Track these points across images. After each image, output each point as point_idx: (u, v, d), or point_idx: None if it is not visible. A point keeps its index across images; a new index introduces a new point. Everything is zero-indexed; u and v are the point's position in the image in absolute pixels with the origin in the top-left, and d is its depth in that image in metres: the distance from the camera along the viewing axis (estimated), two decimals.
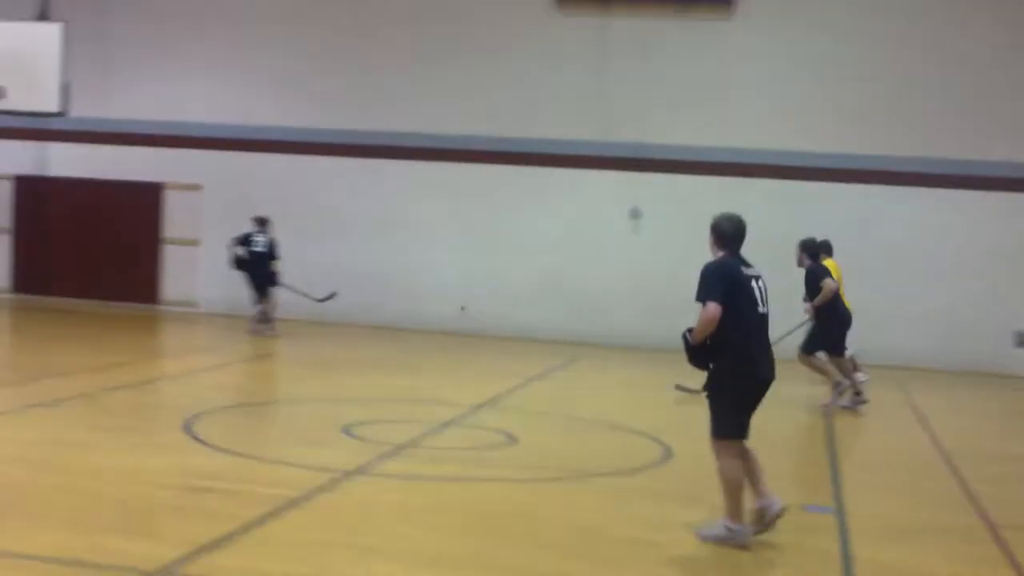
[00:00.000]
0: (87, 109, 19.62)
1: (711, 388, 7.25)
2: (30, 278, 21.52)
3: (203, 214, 20.86)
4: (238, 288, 18.27)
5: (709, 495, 8.41)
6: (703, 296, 7.04)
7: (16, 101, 19.15)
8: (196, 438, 9.50)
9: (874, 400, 14.05)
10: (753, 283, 7.21)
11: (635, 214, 19.56)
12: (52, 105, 19.27)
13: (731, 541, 7.10)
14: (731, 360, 7.12)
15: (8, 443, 9.14)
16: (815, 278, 13.20)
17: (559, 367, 16.12)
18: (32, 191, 21.53)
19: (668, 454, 10.04)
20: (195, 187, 20.89)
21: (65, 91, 19.17)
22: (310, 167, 20.55)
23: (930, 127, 18.67)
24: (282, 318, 18.45)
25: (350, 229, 20.29)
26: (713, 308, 6.96)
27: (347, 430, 10.19)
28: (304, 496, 7.64)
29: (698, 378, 7.61)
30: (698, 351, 7.19)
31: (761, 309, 7.20)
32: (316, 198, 20.44)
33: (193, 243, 20.95)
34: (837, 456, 10.56)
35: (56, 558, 6.06)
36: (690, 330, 7.15)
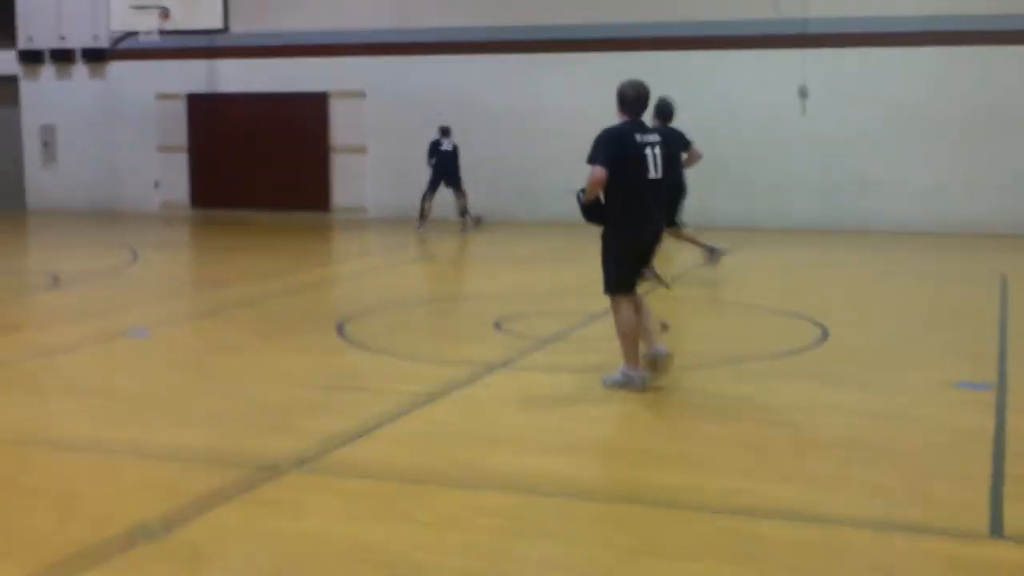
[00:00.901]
0: (248, 24, 19.96)
1: (602, 247, 7.71)
2: (208, 193, 22.20)
3: (366, 121, 21.08)
4: (404, 192, 18.49)
5: (858, 376, 8.22)
6: (591, 159, 7.37)
7: (181, 21, 19.69)
8: (348, 339, 9.66)
9: None
10: (647, 149, 7.46)
11: (803, 93, 18.87)
12: (216, 22, 19.74)
13: (629, 385, 7.58)
14: (615, 221, 7.57)
15: (169, 350, 9.47)
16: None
17: (725, 253, 15.79)
18: (204, 108, 22.10)
19: (825, 335, 9.74)
20: (358, 94, 21.09)
21: (226, 7, 19.60)
22: (464, 67, 20.47)
23: None
24: (442, 216, 18.79)
25: (504, 127, 20.16)
26: (598, 171, 7.29)
27: (498, 324, 10.21)
28: (444, 391, 7.68)
29: None
30: (590, 210, 7.56)
31: (651, 175, 7.47)
32: (474, 98, 20.36)
33: (359, 150, 21.22)
34: (1008, 329, 10.06)
35: (193, 455, 6.25)
36: (583, 190, 7.46)
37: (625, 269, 7.65)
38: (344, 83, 21.16)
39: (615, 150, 7.37)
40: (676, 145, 12.02)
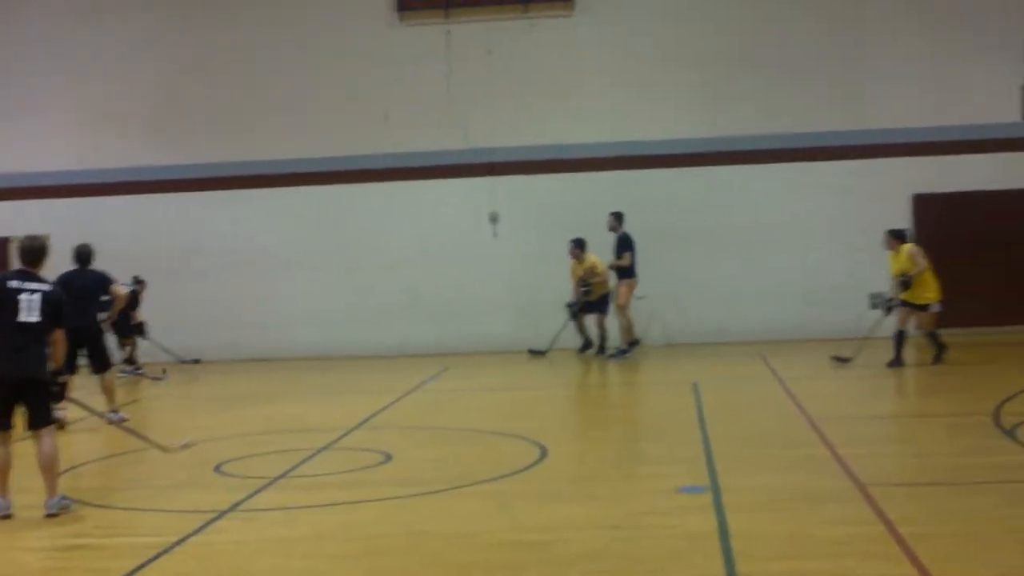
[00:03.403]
0: None
1: None
2: None
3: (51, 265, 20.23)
4: None
5: (584, 490, 8.55)
6: None
7: None
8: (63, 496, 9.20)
9: (741, 374, 14.39)
10: (21, 295, 8.35)
11: (493, 218, 19.63)
12: None
13: None
14: None
15: None
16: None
17: (430, 379, 16.09)
18: None
19: (544, 454, 10.07)
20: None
21: None
22: (157, 206, 20.13)
23: (769, 104, 19.20)
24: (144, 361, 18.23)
25: (201, 265, 19.89)
26: None
27: (218, 468, 10.01)
28: (177, 541, 7.46)
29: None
30: None
31: (22, 318, 8.33)
32: (164, 237, 20.02)
33: None
34: (708, 434, 10.70)
35: None
36: None
37: None
38: (23, 227, 20.27)
39: None
40: (91, 289, 12.89)
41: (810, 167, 19.21)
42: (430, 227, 19.73)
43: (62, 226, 19.87)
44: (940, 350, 15.04)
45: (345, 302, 19.73)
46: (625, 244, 17.69)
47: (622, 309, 17.69)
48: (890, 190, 18.93)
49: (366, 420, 12.55)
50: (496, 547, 7.12)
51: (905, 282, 14.72)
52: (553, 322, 18.12)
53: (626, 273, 17.71)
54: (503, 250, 19.48)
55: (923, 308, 14.92)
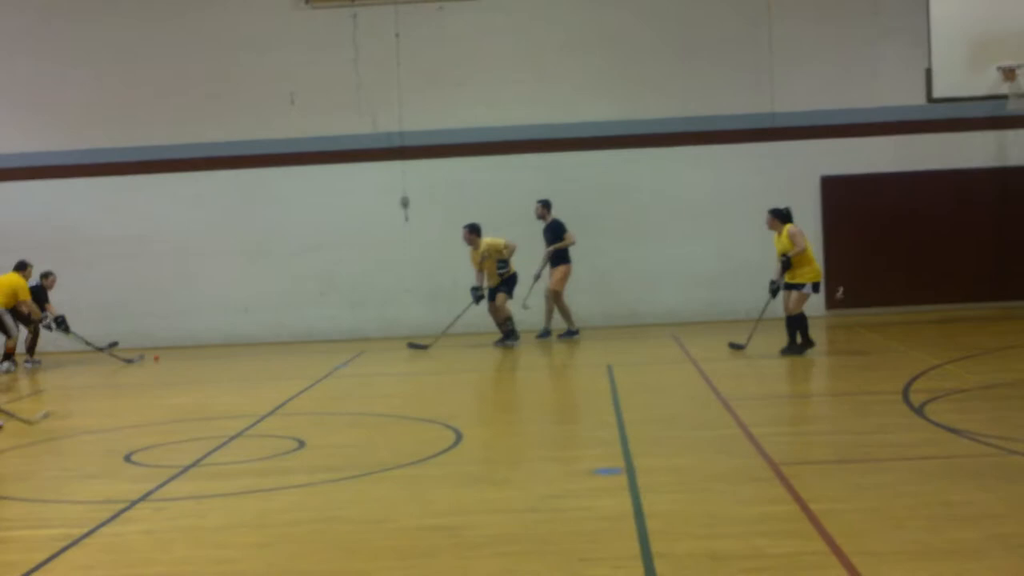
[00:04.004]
0: None
1: None
2: None
3: None
4: None
5: (498, 474, 8.55)
6: None
7: None
8: None
9: (655, 355, 14.49)
10: None
11: (404, 203, 19.54)
12: None
13: None
14: None
15: None
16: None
17: (344, 365, 15.98)
18: None
19: (459, 439, 10.05)
20: None
21: None
22: (54, 191, 19.73)
23: (679, 87, 19.35)
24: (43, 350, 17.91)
25: (106, 252, 19.52)
26: None
27: (129, 458, 9.84)
28: (87, 532, 7.32)
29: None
30: None
31: None
32: (66, 223, 19.64)
33: None
34: (623, 416, 10.75)
35: None
36: None
37: None
38: None
39: None
40: None
41: (720, 149, 19.39)
42: (341, 212, 19.57)
43: None
44: (793, 339, 14.49)
45: (256, 288, 19.52)
46: (561, 229, 17.68)
47: (557, 295, 17.71)
48: (799, 172, 19.19)
49: (279, 407, 12.43)
50: (410, 532, 7.08)
51: (784, 263, 14.33)
52: (462, 306, 18.07)
53: (562, 259, 17.70)
54: (414, 234, 19.41)
55: (796, 288, 14.40)
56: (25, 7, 19.73)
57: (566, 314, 17.84)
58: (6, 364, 17.01)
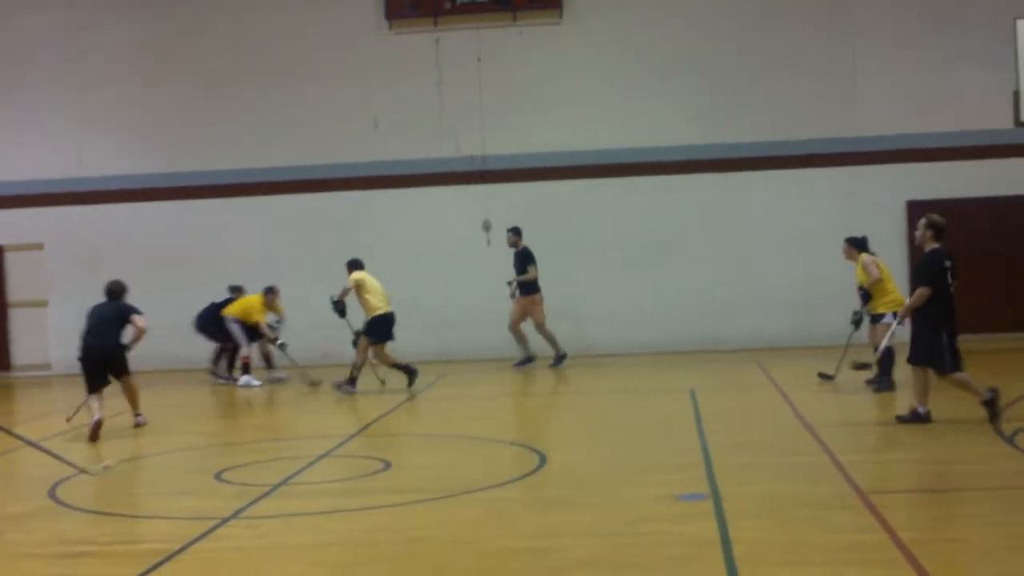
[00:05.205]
0: None
1: None
2: None
3: (47, 273, 20.35)
4: None
5: (582, 497, 8.58)
6: None
7: None
8: (63, 503, 9.22)
9: (738, 381, 14.41)
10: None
11: (487, 226, 19.67)
12: None
13: None
14: None
15: None
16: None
17: (427, 387, 16.09)
18: None
19: (543, 461, 10.10)
20: (36, 246, 20.36)
21: None
22: (153, 213, 20.22)
23: (762, 111, 19.34)
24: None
25: (202, 273, 19.84)
26: None
27: (219, 476, 10.02)
28: (181, 548, 7.48)
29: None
30: None
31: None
32: (163, 245, 20.07)
33: (41, 304, 20.40)
34: (707, 441, 10.73)
35: None
36: None
37: None
38: (19, 236, 20.44)
39: None
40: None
41: (804, 174, 19.30)
42: (424, 235, 19.77)
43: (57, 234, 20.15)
44: (880, 370, 13.78)
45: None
46: (528, 258, 17.75)
47: (540, 326, 17.87)
48: (884, 197, 19.02)
49: (364, 428, 12.57)
50: (494, 554, 7.13)
51: (863, 294, 13.88)
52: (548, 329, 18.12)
53: (531, 288, 17.77)
54: (496, 258, 19.50)
55: (876, 320, 13.85)
56: (126, 30, 20.29)
57: (552, 341, 17.91)
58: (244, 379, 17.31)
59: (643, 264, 19.38)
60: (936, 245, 11.18)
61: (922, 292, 10.99)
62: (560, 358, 17.86)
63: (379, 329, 15.71)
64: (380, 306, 15.72)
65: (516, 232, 18.03)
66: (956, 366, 11.00)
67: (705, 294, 19.38)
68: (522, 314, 17.86)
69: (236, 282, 18.05)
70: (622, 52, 19.61)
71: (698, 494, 8.42)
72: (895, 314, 13.18)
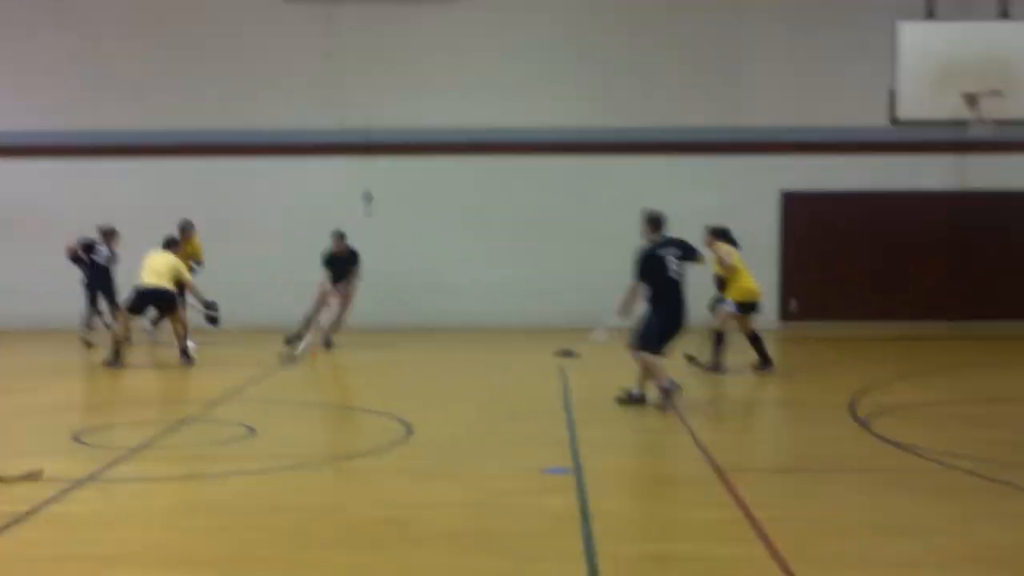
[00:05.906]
0: None
1: None
2: None
3: None
4: None
5: (447, 469, 8.58)
6: None
7: None
8: None
9: (610, 358, 14.55)
10: None
11: (367, 198, 19.55)
12: None
13: None
14: None
15: None
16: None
17: (303, 354, 15.92)
18: None
19: (409, 431, 10.07)
20: None
21: None
22: (32, 172, 19.82)
23: (649, 97, 19.56)
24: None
25: (70, 235, 19.35)
26: None
27: (77, 437, 9.79)
28: (32, 510, 7.29)
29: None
30: None
31: None
32: (40, 204, 19.62)
33: None
34: (574, 417, 10.80)
35: None
36: None
37: None
38: None
39: None
40: None
41: (684, 160, 19.55)
42: (302, 204, 19.59)
43: None
44: (714, 354, 14.06)
45: (217, 276, 19.40)
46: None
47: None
48: (760, 186, 19.37)
49: (231, 393, 12.39)
50: (358, 523, 7.09)
51: (719, 281, 14.05)
52: (420, 300, 18.17)
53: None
54: (375, 230, 19.38)
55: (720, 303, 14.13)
56: None
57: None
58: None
59: (523, 239, 19.49)
60: (656, 237, 11.41)
61: (629, 285, 11.34)
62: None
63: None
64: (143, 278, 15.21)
65: (341, 236, 17.35)
66: (658, 351, 11.27)
67: (577, 271, 19.56)
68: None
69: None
70: (511, 33, 19.66)
71: (562, 468, 8.47)
72: (739, 304, 13.78)
